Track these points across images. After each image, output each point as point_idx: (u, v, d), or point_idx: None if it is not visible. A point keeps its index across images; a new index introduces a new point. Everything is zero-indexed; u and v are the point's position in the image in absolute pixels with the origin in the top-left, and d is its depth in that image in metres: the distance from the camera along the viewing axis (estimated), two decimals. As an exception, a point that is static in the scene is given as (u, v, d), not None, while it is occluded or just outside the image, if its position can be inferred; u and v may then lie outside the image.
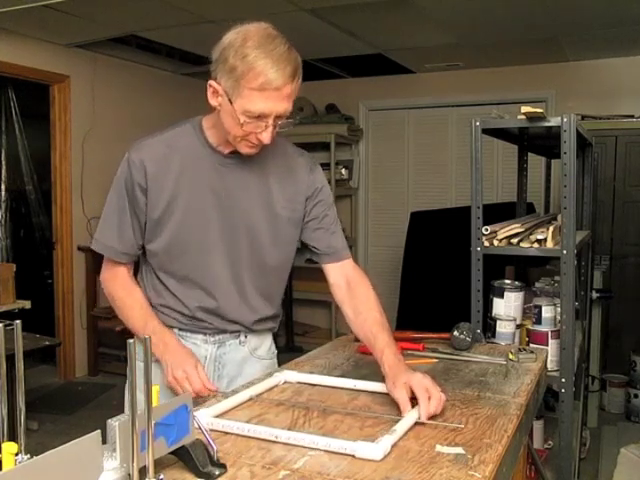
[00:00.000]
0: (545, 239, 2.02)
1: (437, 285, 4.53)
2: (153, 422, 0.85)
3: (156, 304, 1.57)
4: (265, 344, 1.68)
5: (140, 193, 1.47)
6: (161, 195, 1.47)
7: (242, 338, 1.61)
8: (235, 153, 1.48)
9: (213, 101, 1.40)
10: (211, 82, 1.38)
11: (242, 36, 1.33)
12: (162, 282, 1.55)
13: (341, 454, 1.05)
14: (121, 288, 1.55)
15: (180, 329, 1.57)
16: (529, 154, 3.07)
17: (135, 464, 0.82)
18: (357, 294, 1.54)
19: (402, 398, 1.23)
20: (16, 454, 0.79)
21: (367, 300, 1.53)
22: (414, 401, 1.23)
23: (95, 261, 4.43)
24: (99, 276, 1.62)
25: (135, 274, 1.61)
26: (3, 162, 5.17)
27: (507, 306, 2.07)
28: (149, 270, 1.58)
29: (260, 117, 1.34)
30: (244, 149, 1.43)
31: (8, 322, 1.04)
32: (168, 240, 1.50)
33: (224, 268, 1.53)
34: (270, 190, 1.53)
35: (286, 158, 1.58)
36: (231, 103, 1.34)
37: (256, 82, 1.30)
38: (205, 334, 1.57)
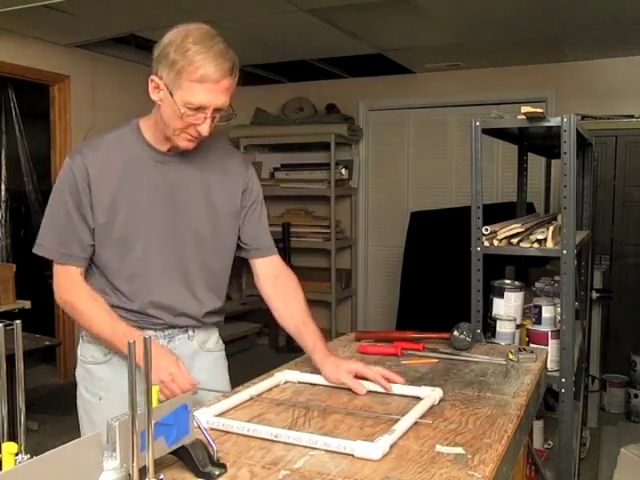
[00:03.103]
0: (545, 239, 2.02)
1: (437, 285, 4.53)
2: (153, 422, 0.85)
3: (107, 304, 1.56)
4: (213, 337, 1.71)
5: (85, 196, 1.48)
6: (104, 196, 1.49)
7: (190, 333, 1.64)
8: (173, 150, 1.53)
9: (154, 95, 1.45)
10: (152, 77, 1.43)
11: (183, 34, 1.40)
12: (110, 281, 1.55)
13: (341, 454, 1.05)
14: (83, 296, 1.52)
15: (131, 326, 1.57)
16: (529, 154, 3.07)
17: (135, 464, 0.82)
18: (287, 286, 1.65)
19: (353, 381, 1.42)
20: (16, 454, 0.79)
21: (296, 292, 1.64)
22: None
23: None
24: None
25: None
26: (3, 162, 5.16)
27: (507, 306, 2.07)
28: (95, 272, 1.57)
29: (199, 109, 1.40)
30: (182, 142, 1.47)
31: (8, 322, 1.04)
32: (115, 239, 1.51)
33: (170, 263, 1.56)
34: (209, 184, 1.58)
35: (222, 153, 1.65)
36: (172, 96, 1.40)
37: (196, 75, 1.37)
38: (155, 329, 1.58)
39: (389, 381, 1.43)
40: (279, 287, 1.64)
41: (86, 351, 1.62)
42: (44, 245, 1.53)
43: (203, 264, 1.60)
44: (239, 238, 1.66)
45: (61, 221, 1.51)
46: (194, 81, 1.37)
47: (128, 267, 1.53)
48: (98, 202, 1.49)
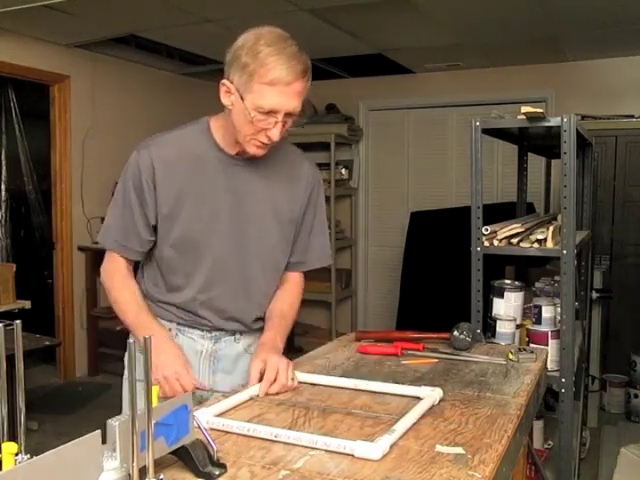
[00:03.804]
0: (545, 239, 2.02)
1: (437, 285, 4.53)
2: (153, 422, 0.85)
3: (156, 299, 1.59)
4: (257, 342, 1.69)
5: (149, 192, 1.49)
6: (170, 193, 1.49)
7: (237, 336, 1.64)
8: (241, 154, 1.51)
9: (225, 100, 1.42)
10: (224, 81, 1.41)
11: (255, 36, 1.37)
12: (166, 277, 1.57)
13: (341, 454, 1.05)
14: (119, 281, 1.56)
15: (178, 323, 1.59)
16: (529, 154, 3.07)
17: (135, 464, 0.82)
18: (286, 288, 1.67)
19: (252, 370, 1.41)
20: (16, 454, 0.79)
21: (287, 294, 1.66)
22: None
23: (95, 261, 4.44)
24: (99, 275, 1.63)
25: (135, 269, 1.62)
26: (3, 162, 5.16)
27: (507, 306, 2.07)
28: (152, 266, 1.59)
29: (270, 113, 1.37)
30: (252, 149, 1.45)
31: (8, 322, 1.04)
32: (177, 237, 1.52)
33: (229, 266, 1.55)
34: (274, 191, 1.56)
35: (290, 160, 1.61)
36: (243, 100, 1.37)
37: (267, 77, 1.34)
38: (202, 330, 1.59)
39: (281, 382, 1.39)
40: (280, 288, 1.67)
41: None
42: (106, 235, 1.56)
43: (262, 269, 1.60)
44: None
45: (122, 214, 1.52)
46: (265, 84, 1.34)
47: (186, 266, 1.54)
48: (162, 198, 1.49)
